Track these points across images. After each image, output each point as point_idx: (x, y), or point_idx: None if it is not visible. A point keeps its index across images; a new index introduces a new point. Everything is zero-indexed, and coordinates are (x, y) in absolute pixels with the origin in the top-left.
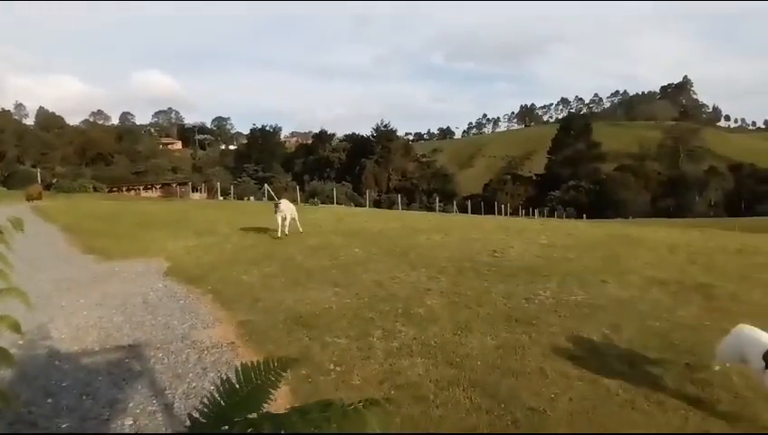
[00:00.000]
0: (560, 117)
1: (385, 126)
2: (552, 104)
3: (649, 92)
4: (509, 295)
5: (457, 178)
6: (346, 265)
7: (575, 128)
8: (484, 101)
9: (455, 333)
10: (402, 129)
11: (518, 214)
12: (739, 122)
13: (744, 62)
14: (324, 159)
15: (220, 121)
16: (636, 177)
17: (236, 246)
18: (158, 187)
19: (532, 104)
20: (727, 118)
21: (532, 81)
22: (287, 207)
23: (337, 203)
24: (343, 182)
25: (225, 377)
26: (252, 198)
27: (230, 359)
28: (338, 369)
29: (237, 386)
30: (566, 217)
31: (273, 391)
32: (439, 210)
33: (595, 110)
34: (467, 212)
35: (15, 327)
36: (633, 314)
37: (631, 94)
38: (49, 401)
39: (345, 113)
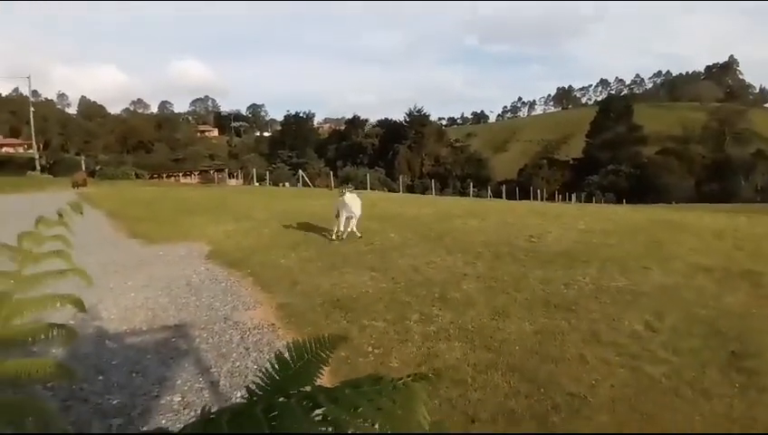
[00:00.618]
0: (599, 99)
1: (418, 111)
2: (590, 86)
3: (693, 73)
4: (547, 281)
5: (492, 163)
6: (381, 250)
7: (615, 110)
8: (519, 85)
9: (492, 318)
10: (435, 114)
11: (554, 199)
12: None
13: None
14: (357, 145)
15: (255, 109)
16: (679, 160)
17: (273, 230)
18: (196, 173)
19: (570, 86)
20: None
21: (570, 62)
22: (356, 204)
23: (370, 188)
24: (376, 168)
25: (277, 352)
26: (287, 183)
27: (271, 340)
28: (376, 351)
29: (290, 361)
30: (605, 203)
31: (323, 367)
32: (473, 195)
33: (636, 91)
34: (502, 197)
35: (79, 304)
36: (677, 300)
37: (674, 75)
38: (100, 378)
39: (377, 99)
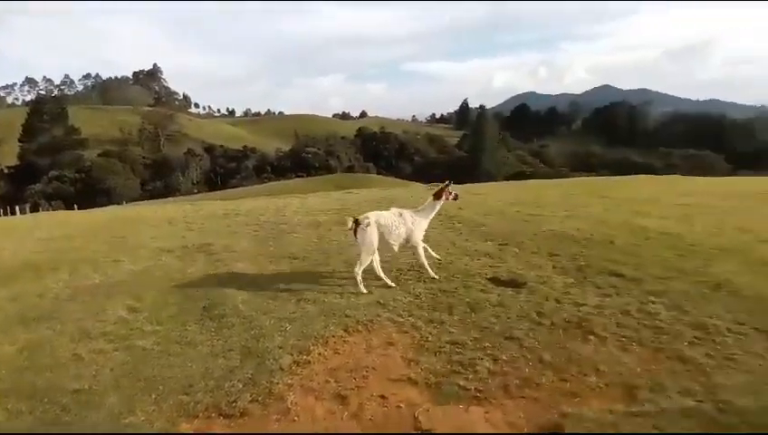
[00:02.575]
0: (27, 99)
1: None
2: (15, 84)
3: (123, 77)
4: (17, 297)
5: None
6: None
7: (49, 112)
8: None
9: None
10: None
11: None
12: (207, 109)
13: (207, 56)
14: None
15: None
16: (122, 162)
17: None
18: None
19: None
20: (197, 105)
21: None
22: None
23: None
24: None
25: None
26: None
27: None
28: None
29: None
30: (53, 211)
31: None
32: None
33: (68, 92)
34: None
35: None
36: (151, 280)
37: (105, 78)
38: None
39: None
